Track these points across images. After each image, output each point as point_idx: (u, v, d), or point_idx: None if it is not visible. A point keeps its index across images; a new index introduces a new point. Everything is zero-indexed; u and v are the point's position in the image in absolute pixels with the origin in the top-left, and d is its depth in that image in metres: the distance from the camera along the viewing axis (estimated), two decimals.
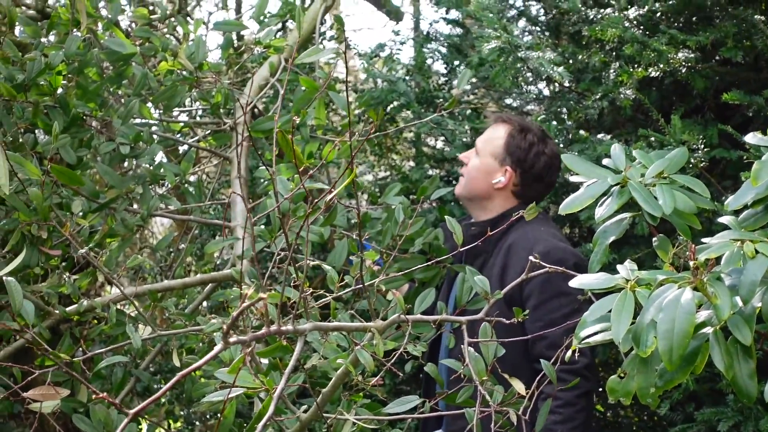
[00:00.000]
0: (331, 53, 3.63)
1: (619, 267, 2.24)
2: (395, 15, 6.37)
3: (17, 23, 3.64)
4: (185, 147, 4.56)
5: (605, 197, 2.48)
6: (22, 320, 2.68)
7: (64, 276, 3.47)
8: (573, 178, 2.61)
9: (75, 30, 3.62)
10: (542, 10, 4.81)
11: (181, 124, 4.29)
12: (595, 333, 2.22)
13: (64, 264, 3.52)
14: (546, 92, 4.74)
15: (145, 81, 3.74)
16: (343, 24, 4.49)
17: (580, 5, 4.20)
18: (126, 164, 3.90)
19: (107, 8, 3.93)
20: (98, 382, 3.58)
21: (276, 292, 2.94)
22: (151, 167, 3.74)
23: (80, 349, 3.36)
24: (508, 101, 5.01)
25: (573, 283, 2.33)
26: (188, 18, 4.63)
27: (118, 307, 3.51)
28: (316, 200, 2.51)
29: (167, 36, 4.19)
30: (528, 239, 3.45)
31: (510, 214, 3.35)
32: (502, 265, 3.47)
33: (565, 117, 4.45)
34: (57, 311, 3.45)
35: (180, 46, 3.91)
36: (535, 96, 4.79)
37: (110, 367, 3.66)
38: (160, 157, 4.25)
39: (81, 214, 3.37)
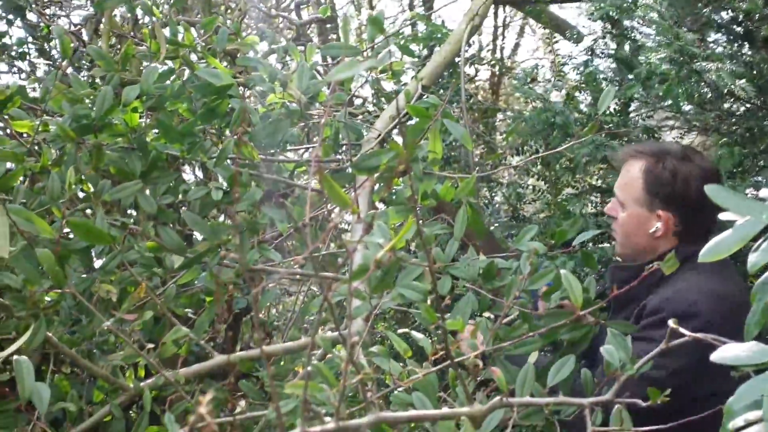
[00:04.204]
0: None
1: None
2: (576, 38, 5.81)
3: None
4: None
5: (763, 239, 1.82)
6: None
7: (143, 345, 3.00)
8: (722, 216, 1.95)
9: (154, 61, 3.17)
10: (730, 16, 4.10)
11: (293, 164, 3.77)
12: (748, 425, 1.57)
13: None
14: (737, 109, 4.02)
15: (244, 116, 3.25)
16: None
17: (760, 4, 3.47)
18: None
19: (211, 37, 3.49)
20: None
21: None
22: (250, 214, 3.25)
23: None
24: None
25: (714, 357, 1.69)
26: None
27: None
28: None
29: (275, 65, 3.69)
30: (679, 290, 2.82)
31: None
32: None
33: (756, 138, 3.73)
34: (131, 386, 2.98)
35: (290, 75, 3.41)
36: (717, 115, 4.06)
37: None
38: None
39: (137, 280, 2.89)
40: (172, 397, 2.70)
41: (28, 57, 4.96)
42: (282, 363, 3.29)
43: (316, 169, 1.80)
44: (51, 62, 4.81)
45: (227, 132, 3.29)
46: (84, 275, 2.95)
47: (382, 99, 4.51)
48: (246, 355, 3.17)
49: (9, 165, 2.94)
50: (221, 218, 3.95)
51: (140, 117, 3.15)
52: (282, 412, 2.37)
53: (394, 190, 3.35)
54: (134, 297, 2.77)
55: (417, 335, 2.47)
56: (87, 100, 3.07)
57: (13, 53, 4.88)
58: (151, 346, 2.99)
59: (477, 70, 5.99)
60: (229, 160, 3.27)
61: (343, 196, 1.82)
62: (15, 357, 2.12)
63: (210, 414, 1.28)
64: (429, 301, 2.45)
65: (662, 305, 2.86)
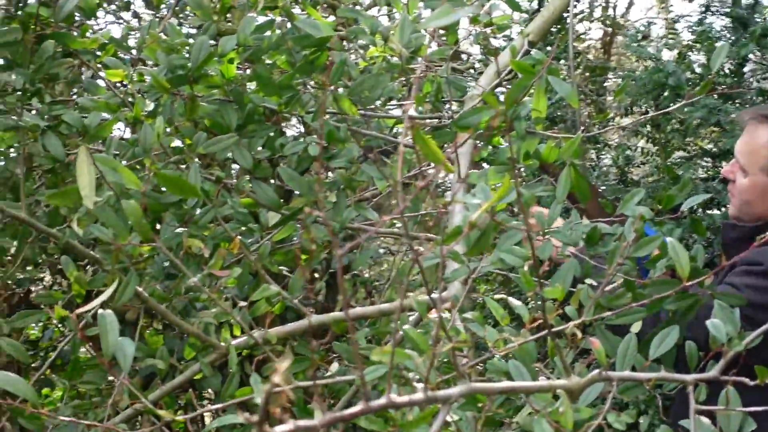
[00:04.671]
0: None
1: None
2: None
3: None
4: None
5: None
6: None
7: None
8: None
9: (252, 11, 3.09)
10: None
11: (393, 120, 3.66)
12: None
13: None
14: None
15: (343, 69, 3.15)
16: None
17: None
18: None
19: None
20: None
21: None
22: (348, 171, 3.16)
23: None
24: None
25: None
26: None
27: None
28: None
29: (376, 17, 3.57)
30: None
31: None
32: None
33: None
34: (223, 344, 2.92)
35: (393, 29, 3.30)
36: None
37: None
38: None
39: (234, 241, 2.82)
40: (260, 357, 2.64)
41: (132, 7, 4.93)
42: (377, 325, 3.22)
43: (410, 124, 1.70)
44: (155, 12, 4.76)
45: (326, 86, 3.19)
46: (178, 229, 2.90)
47: (489, 56, 4.39)
48: (339, 316, 3.10)
49: (103, 115, 2.90)
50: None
51: (237, 69, 3.07)
52: (372, 378, 2.29)
53: (495, 149, 3.24)
54: (222, 253, 2.70)
55: (514, 302, 2.36)
56: (183, 51, 3.00)
57: (118, 3, 4.85)
58: (243, 304, 2.93)
59: (588, 28, 5.83)
60: (327, 115, 3.19)
61: (436, 152, 1.72)
62: (99, 311, 2.07)
63: (285, 381, 1.20)
64: (526, 267, 2.34)
65: (758, 257, 2.73)
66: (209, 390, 3.85)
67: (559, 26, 4.35)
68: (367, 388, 1.58)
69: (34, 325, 3.58)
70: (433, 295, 2.10)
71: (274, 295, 2.91)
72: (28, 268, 3.92)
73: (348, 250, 3.21)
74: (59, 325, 4.04)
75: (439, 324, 1.81)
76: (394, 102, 3.83)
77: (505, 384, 2.07)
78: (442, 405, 1.78)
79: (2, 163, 3.04)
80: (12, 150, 3.02)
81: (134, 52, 3.32)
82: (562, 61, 4.28)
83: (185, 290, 2.93)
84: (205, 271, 2.80)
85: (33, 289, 4.24)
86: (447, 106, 3.47)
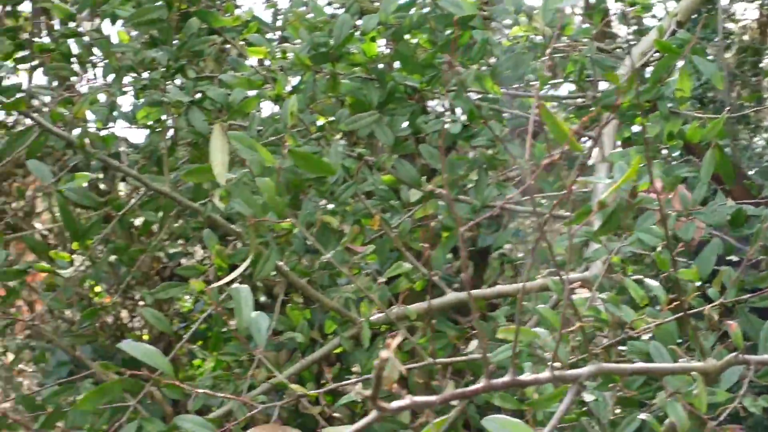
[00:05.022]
0: None
1: None
2: None
3: None
4: None
5: None
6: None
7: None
8: None
9: None
10: None
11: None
12: None
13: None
14: None
15: (486, 48, 3.14)
16: None
17: None
18: None
19: None
20: None
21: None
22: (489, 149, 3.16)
23: None
24: None
25: None
26: None
27: None
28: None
29: None
30: None
31: None
32: None
33: None
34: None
35: (536, 8, 3.28)
36: None
37: None
38: None
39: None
40: (394, 333, 2.66)
41: None
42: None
43: (538, 102, 1.69)
44: None
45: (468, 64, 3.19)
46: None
47: (637, 36, 4.32)
48: (479, 294, 3.11)
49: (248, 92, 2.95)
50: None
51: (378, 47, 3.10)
52: (504, 357, 2.29)
53: (640, 130, 3.19)
54: (355, 229, 2.73)
55: (651, 282, 2.32)
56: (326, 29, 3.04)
57: None
58: (382, 280, 2.96)
59: (745, 9, 5.66)
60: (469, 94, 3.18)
61: (563, 130, 1.70)
62: (233, 286, 2.11)
63: (395, 359, 1.21)
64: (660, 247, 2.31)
65: None
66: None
67: (709, 6, 4.24)
68: (492, 366, 1.58)
69: (187, 297, 3.66)
70: (571, 275, 2.08)
71: (412, 271, 2.93)
72: (179, 241, 4.03)
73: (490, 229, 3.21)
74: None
75: (569, 304, 1.80)
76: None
77: (638, 365, 2.05)
78: (572, 385, 1.77)
79: (148, 138, 3.13)
80: (157, 125, 3.10)
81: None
82: (709, 41, 4.17)
83: (325, 265, 2.96)
84: (339, 246, 2.83)
85: (183, 262, 4.35)
86: (592, 85, 3.43)
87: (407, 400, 1.39)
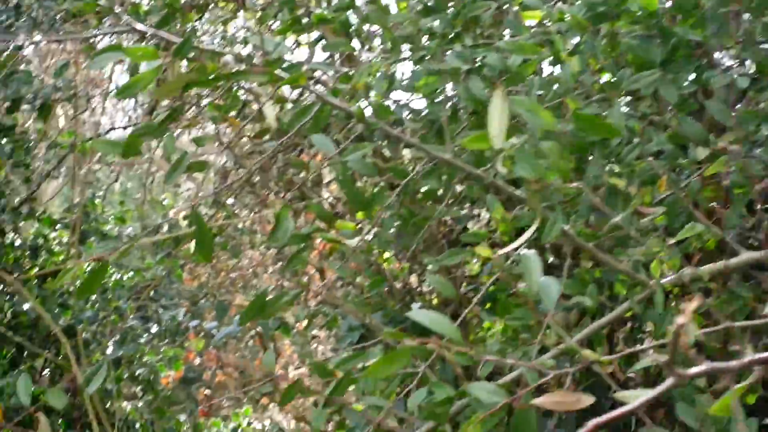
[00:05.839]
0: None
1: None
2: None
3: None
4: None
5: None
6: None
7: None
8: None
9: None
10: None
11: None
12: None
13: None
14: None
15: None
16: None
17: None
18: None
19: None
20: None
21: None
22: None
23: None
24: None
25: None
26: None
27: None
28: None
29: None
30: None
31: None
32: None
33: None
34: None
35: None
36: None
37: None
38: None
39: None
40: (690, 296, 2.58)
41: None
42: None
43: None
44: None
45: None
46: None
47: None
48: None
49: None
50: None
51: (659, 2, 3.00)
52: None
53: None
54: (643, 191, 2.66)
55: None
56: None
57: None
58: (672, 241, 2.87)
59: None
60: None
61: None
62: (523, 251, 2.10)
63: (691, 323, 1.16)
64: None
65: None
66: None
67: None
68: None
69: (475, 260, 3.68)
70: None
71: (704, 232, 2.83)
72: (466, 205, 4.04)
73: None
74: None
75: None
76: None
77: None
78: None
79: (428, 106, 3.14)
80: (437, 94, 3.11)
81: None
82: None
83: (613, 228, 2.91)
84: (629, 209, 2.77)
85: (468, 226, 4.36)
86: None
87: (704, 365, 1.35)
